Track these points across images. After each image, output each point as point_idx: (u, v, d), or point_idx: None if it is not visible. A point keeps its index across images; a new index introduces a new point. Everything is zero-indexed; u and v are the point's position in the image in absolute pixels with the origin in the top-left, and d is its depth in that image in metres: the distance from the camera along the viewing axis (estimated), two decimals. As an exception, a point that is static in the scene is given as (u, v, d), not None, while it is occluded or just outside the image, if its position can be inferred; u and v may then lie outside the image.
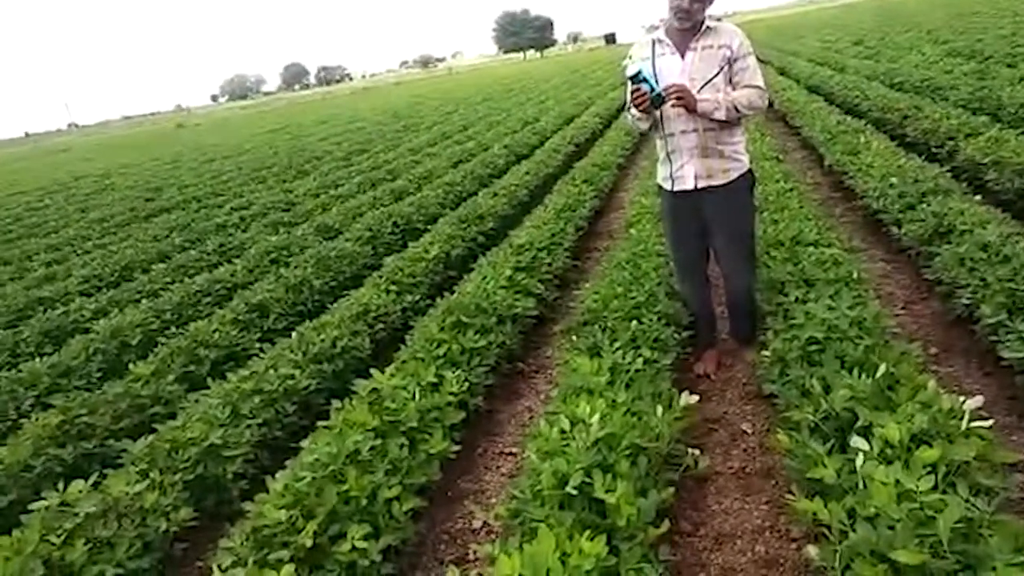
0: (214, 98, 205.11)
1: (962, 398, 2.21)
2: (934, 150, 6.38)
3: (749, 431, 3.12)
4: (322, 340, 3.97)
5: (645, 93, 3.01)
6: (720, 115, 3.11)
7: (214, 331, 4.48)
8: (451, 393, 3.16)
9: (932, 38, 16.87)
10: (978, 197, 4.58)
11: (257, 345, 4.45)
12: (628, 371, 2.98)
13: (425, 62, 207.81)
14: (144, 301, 5.46)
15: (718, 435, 3.14)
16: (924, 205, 4.40)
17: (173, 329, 4.78)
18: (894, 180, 4.99)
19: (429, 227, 6.54)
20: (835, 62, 15.20)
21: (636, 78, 2.99)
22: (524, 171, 8.50)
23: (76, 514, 2.61)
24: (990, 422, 2.12)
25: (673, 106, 3.09)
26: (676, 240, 3.62)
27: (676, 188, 3.38)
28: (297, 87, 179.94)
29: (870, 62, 13.78)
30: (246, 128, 37.59)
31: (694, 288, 3.67)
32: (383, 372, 3.27)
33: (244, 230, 8.32)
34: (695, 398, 2.84)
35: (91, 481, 2.82)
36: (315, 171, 12.97)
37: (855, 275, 3.47)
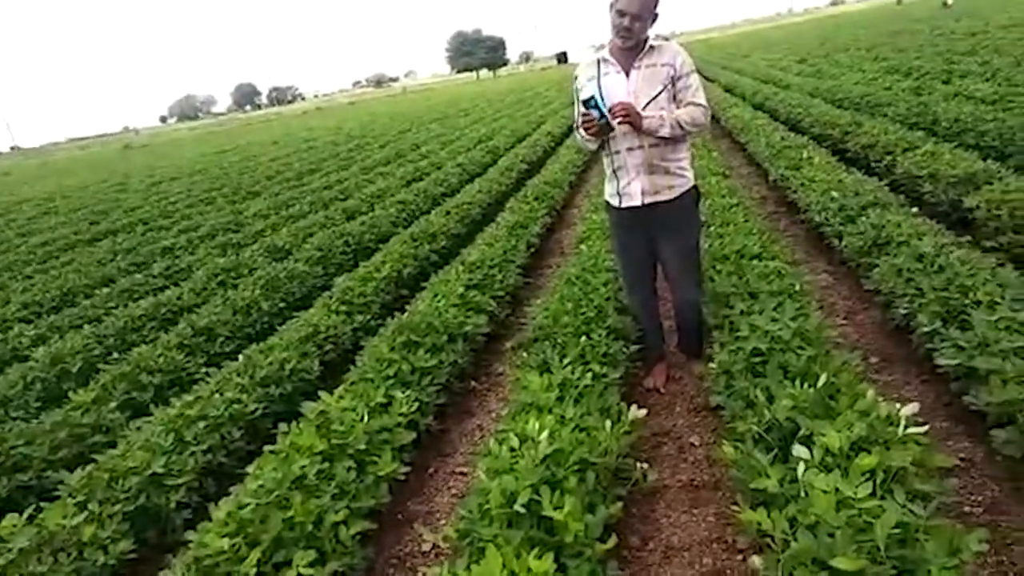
0: (163, 119, 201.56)
1: (899, 405, 2.26)
2: (873, 164, 6.57)
3: (697, 443, 3.15)
4: (270, 363, 3.90)
5: (595, 119, 3.04)
6: (665, 132, 3.15)
7: (158, 356, 4.38)
8: (401, 414, 3.13)
9: (872, 56, 17.43)
10: (915, 209, 4.73)
11: (203, 370, 4.35)
12: (577, 387, 2.99)
13: (378, 81, 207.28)
14: (86, 327, 5.31)
15: (666, 448, 3.16)
16: (864, 218, 4.52)
17: (115, 355, 4.66)
18: (835, 194, 5.12)
19: (381, 246, 6.51)
20: (779, 80, 15.58)
21: (588, 103, 3.02)
22: (477, 189, 8.53)
23: (10, 549, 2.52)
24: (925, 428, 2.17)
25: (619, 124, 3.12)
26: (624, 255, 3.65)
27: (624, 204, 3.41)
28: (248, 107, 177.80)
29: (813, 80, 14.16)
30: (195, 149, 37.05)
31: (643, 302, 3.70)
32: (332, 394, 3.23)
33: (191, 252, 8.17)
34: (643, 412, 2.85)
35: (26, 514, 2.73)
36: (266, 192, 12.83)
37: (798, 287, 3.55)
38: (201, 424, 3.34)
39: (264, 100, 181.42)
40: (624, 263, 3.69)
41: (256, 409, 3.57)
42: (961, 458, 2.70)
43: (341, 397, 3.21)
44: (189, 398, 3.64)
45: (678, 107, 3.22)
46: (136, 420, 3.66)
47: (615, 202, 3.46)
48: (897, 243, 3.99)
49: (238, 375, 3.82)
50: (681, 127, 3.16)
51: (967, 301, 3.08)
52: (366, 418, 3.01)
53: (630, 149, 3.27)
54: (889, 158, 6.30)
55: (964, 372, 2.76)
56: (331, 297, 4.97)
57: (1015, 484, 2.47)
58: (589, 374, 3.07)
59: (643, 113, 3.12)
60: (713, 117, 12.10)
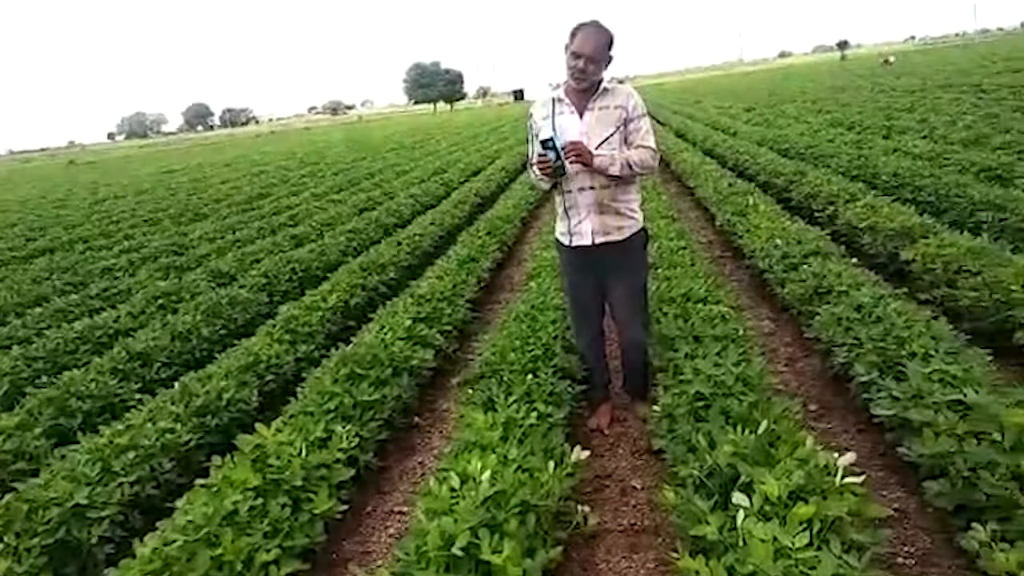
0: (111, 136, 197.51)
1: (836, 454, 2.30)
2: (816, 214, 6.76)
3: (639, 487, 3.14)
4: (207, 392, 3.79)
5: (550, 161, 3.09)
6: (615, 170, 3.21)
7: (90, 381, 4.21)
8: (340, 449, 3.06)
9: (816, 108, 18.07)
10: (854, 259, 4.86)
11: (136, 396, 4.20)
12: (522, 426, 2.96)
13: (334, 108, 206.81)
14: (15, 348, 5.09)
15: (609, 491, 3.15)
16: (805, 266, 4.63)
17: (44, 379, 4.47)
18: (779, 241, 5.25)
19: (329, 275, 6.43)
20: (728, 127, 16.02)
21: (546, 144, 3.06)
22: (429, 221, 8.54)
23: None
24: (862, 478, 2.20)
25: (571, 163, 3.16)
26: (573, 294, 3.67)
27: (574, 243, 3.45)
28: (200, 128, 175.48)
29: (760, 129, 14.59)
30: (143, 168, 36.40)
31: (590, 342, 3.71)
32: (270, 426, 3.15)
33: (132, 274, 7.94)
34: (586, 453, 2.85)
35: (-64, 547, 2.58)
36: (213, 214, 12.63)
37: (741, 332, 3.60)
38: (130, 454, 3.20)
39: (217, 121, 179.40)
40: (573, 302, 3.71)
41: (190, 440, 3.45)
42: (895, 508, 2.74)
43: (279, 430, 3.13)
44: (120, 426, 3.51)
45: (629, 148, 3.28)
46: (62, 448, 3.50)
47: (566, 240, 3.49)
48: (837, 292, 4.08)
49: (173, 403, 3.70)
50: (631, 167, 3.23)
51: (903, 352, 3.16)
52: (304, 453, 2.93)
53: (581, 189, 3.31)
54: (831, 208, 6.50)
55: (899, 423, 2.82)
56: (275, 325, 4.87)
57: (946, 535, 2.51)
58: (534, 413, 3.05)
59: (594, 152, 3.17)
60: (664, 161, 12.34)
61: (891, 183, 7.15)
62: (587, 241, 3.39)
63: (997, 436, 2.42)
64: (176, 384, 3.97)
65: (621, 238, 3.39)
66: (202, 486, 2.77)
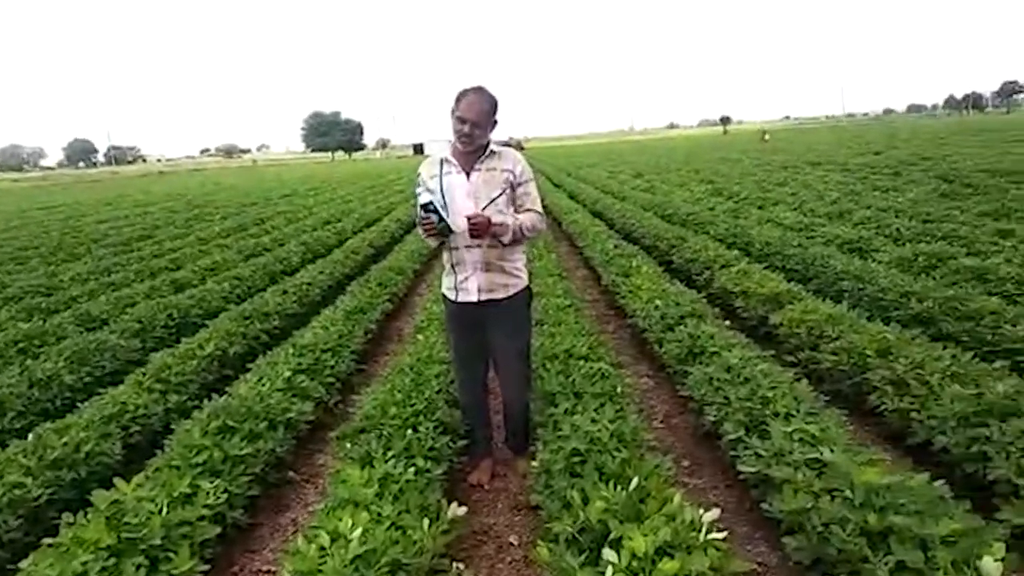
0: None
1: (703, 510, 2.38)
2: (694, 277, 7.09)
3: (516, 543, 3.14)
4: (64, 444, 3.54)
5: (434, 223, 3.12)
6: (507, 239, 3.30)
7: (-70, 431, 3.87)
8: (206, 506, 2.91)
9: (699, 178, 19.07)
10: (727, 322, 5.11)
11: (-16, 448, 3.88)
12: (398, 482, 2.92)
13: (229, 151, 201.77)
14: None
15: (485, 548, 3.13)
16: (682, 327, 4.82)
17: None
18: (659, 302, 5.45)
19: (208, 322, 6.19)
20: (618, 192, 16.63)
21: (427, 207, 3.09)
22: (319, 270, 8.41)
23: None
24: (724, 534, 2.28)
25: (472, 236, 3.21)
26: (458, 349, 3.70)
27: (460, 299, 3.48)
28: (82, 164, 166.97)
29: (647, 195, 15.22)
30: (15, 203, 34.25)
31: (473, 397, 3.73)
32: (130, 482, 2.97)
33: (-9, 315, 7.38)
34: (463, 510, 2.83)
35: None
36: (88, 255, 11.99)
37: (619, 389, 3.70)
38: (-29, 511, 2.95)
39: (101, 158, 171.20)
40: (457, 356, 3.73)
41: (41, 495, 3.20)
42: (759, 563, 2.85)
43: (140, 485, 2.96)
44: (-40, 481, 3.22)
45: (518, 212, 3.37)
46: None
47: (452, 296, 3.53)
48: (710, 353, 4.27)
49: (24, 456, 3.44)
50: (522, 232, 3.34)
51: (767, 412, 3.32)
52: (165, 510, 2.78)
53: (469, 247, 3.37)
54: (708, 273, 6.84)
55: (762, 479, 2.95)
56: (145, 374, 4.63)
57: (804, 589, 2.63)
58: (412, 469, 3.01)
59: (493, 220, 3.23)
60: (556, 221, 12.68)
61: (764, 251, 7.60)
62: (472, 298, 3.44)
63: (849, 493, 2.56)
64: (30, 435, 3.69)
65: (506, 296, 3.46)
66: (49, 545, 2.58)
